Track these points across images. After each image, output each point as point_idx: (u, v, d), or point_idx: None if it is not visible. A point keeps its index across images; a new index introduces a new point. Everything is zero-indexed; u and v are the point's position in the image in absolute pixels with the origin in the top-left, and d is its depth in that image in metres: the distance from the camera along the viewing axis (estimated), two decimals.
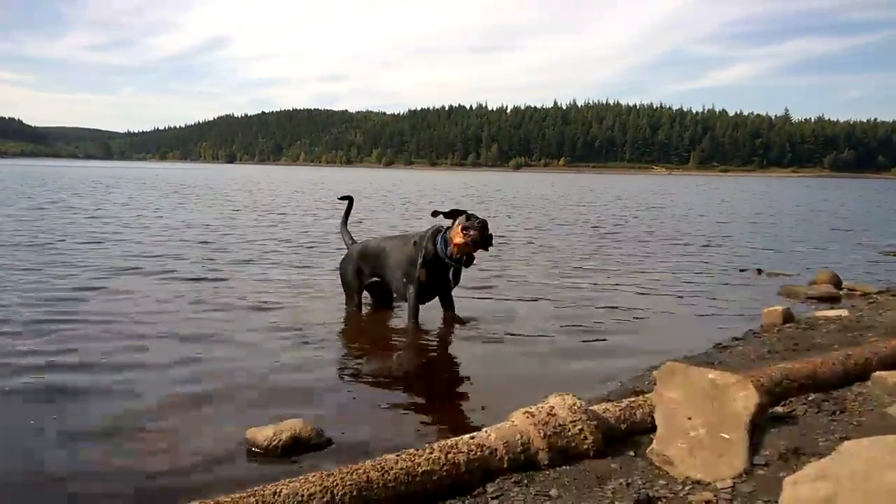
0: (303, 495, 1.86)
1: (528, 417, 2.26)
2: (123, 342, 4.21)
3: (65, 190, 24.40)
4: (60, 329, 4.43)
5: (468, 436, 2.23)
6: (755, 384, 2.39)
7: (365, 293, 5.30)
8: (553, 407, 2.30)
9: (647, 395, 2.59)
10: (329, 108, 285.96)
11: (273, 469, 2.48)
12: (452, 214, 4.78)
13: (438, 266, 4.76)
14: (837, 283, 6.57)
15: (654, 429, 2.33)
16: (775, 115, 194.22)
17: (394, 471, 2.01)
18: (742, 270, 8.01)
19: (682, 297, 6.26)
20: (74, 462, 2.57)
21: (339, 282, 5.48)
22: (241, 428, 2.76)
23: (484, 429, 2.28)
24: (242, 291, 5.92)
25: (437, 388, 3.69)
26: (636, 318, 5.30)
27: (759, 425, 2.29)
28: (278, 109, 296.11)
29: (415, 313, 4.80)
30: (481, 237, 4.59)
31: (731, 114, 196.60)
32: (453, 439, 2.20)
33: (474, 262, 4.87)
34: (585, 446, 2.24)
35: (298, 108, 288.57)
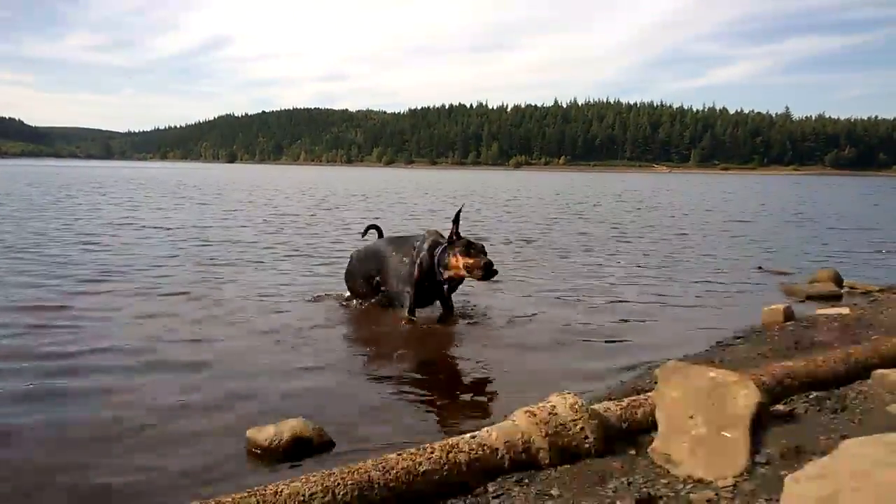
0: (304, 495, 1.86)
1: (529, 416, 2.26)
2: (123, 343, 4.22)
3: (64, 190, 24.41)
4: (57, 330, 4.42)
5: (469, 435, 2.23)
6: (756, 382, 2.40)
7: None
8: (554, 406, 2.30)
9: (648, 394, 2.59)
10: (329, 108, 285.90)
11: (274, 469, 2.49)
12: (455, 235, 4.82)
13: (432, 279, 4.86)
14: (838, 281, 6.57)
15: (655, 427, 2.33)
16: (776, 113, 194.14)
17: (395, 470, 2.01)
18: (743, 269, 8.01)
19: (682, 295, 6.26)
20: (75, 462, 2.57)
21: (343, 281, 5.54)
22: (241, 428, 2.76)
23: (485, 428, 2.28)
24: (242, 292, 5.92)
25: (437, 388, 3.68)
26: (637, 316, 5.30)
27: (761, 424, 2.29)
28: (279, 109, 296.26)
29: (410, 311, 4.89)
30: (483, 272, 4.62)
31: (732, 112, 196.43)
32: (454, 439, 2.20)
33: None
34: (587, 445, 2.24)
35: (299, 107, 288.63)
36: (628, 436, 2.40)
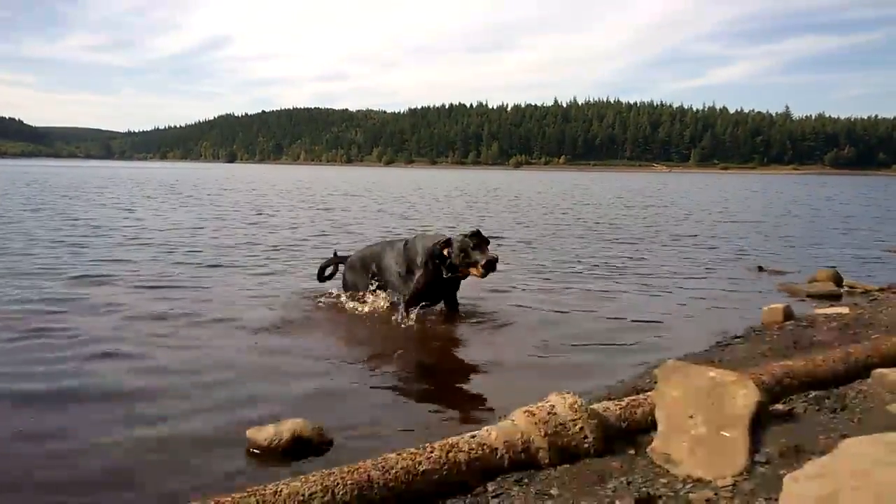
0: (304, 495, 1.86)
1: (528, 416, 2.26)
2: (122, 343, 4.22)
3: (61, 190, 24.41)
4: (54, 331, 4.41)
5: (469, 435, 2.23)
6: (756, 382, 2.40)
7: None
8: (553, 406, 2.30)
9: (647, 394, 2.59)
10: (329, 107, 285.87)
11: (274, 468, 2.48)
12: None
13: (438, 278, 4.91)
14: (838, 280, 6.57)
15: (654, 427, 2.33)
16: (776, 113, 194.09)
17: (394, 470, 2.01)
18: (743, 268, 8.01)
19: (682, 294, 6.26)
20: (75, 463, 2.57)
21: (341, 284, 5.55)
22: (241, 428, 2.76)
23: (485, 428, 2.28)
24: (242, 292, 5.92)
25: (437, 388, 3.69)
26: (636, 316, 5.29)
27: (760, 423, 2.29)
28: (278, 108, 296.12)
29: (409, 309, 4.91)
30: (486, 269, 4.75)
31: (732, 111, 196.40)
32: (454, 438, 2.20)
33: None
34: (586, 445, 2.24)
35: (299, 107, 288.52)
36: (628, 435, 2.40)
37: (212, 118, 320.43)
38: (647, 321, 5.14)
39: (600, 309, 5.54)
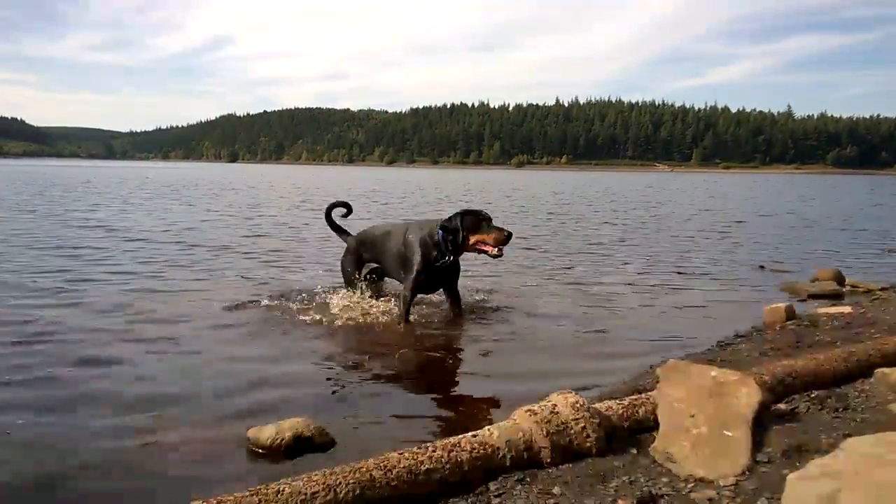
0: (306, 494, 1.86)
1: (530, 415, 2.25)
2: (122, 343, 4.22)
3: (59, 189, 24.45)
4: (52, 332, 4.40)
5: (471, 434, 2.23)
6: (758, 381, 2.39)
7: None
8: (555, 405, 2.30)
9: (649, 393, 2.59)
10: (331, 107, 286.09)
11: (275, 468, 2.48)
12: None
13: (436, 266, 4.84)
14: (840, 279, 6.56)
15: (656, 426, 2.33)
16: (778, 112, 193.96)
17: (396, 469, 2.01)
18: (744, 268, 8.00)
19: (684, 294, 6.25)
20: (75, 462, 2.57)
21: (340, 276, 5.53)
22: (243, 427, 2.76)
23: (486, 427, 2.27)
24: (242, 291, 5.92)
25: (439, 386, 3.68)
26: (638, 315, 5.29)
27: (762, 422, 2.29)
28: (280, 108, 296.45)
29: (407, 308, 4.85)
30: (503, 243, 4.74)
31: (734, 111, 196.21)
32: (456, 437, 2.20)
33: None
34: (588, 444, 2.24)
35: (300, 106, 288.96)
36: (630, 435, 2.40)
37: (213, 118, 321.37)
38: (649, 320, 5.14)
39: (602, 308, 5.53)
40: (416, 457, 2.07)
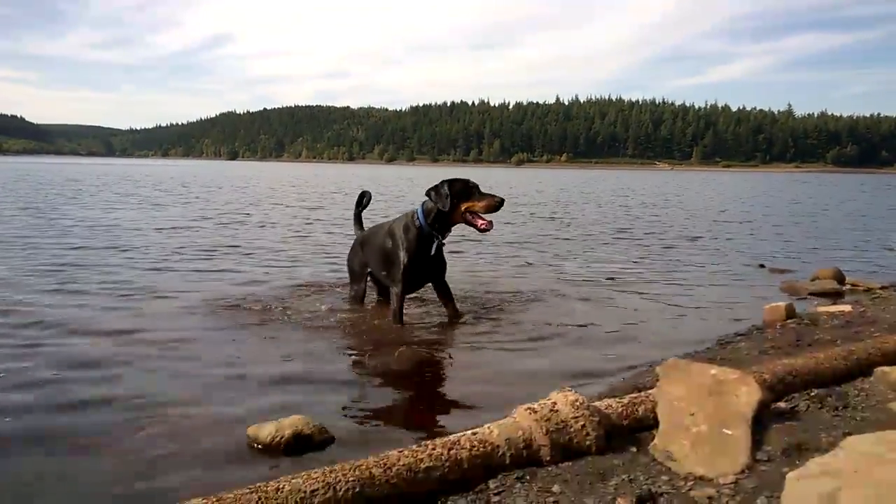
0: (305, 491, 1.86)
1: (530, 413, 2.25)
2: (121, 343, 4.22)
3: (59, 188, 24.43)
4: (50, 332, 4.40)
5: (470, 432, 2.22)
6: (757, 380, 2.39)
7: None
8: (555, 403, 2.30)
9: (649, 391, 2.59)
10: (331, 105, 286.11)
11: (275, 465, 2.48)
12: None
13: (423, 246, 4.60)
14: (840, 278, 6.56)
15: (656, 425, 2.33)
16: (778, 111, 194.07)
17: (396, 467, 2.01)
18: (744, 266, 8.00)
19: (684, 293, 6.25)
20: (76, 461, 2.58)
21: (340, 274, 5.51)
22: (242, 425, 2.76)
23: (486, 425, 2.27)
24: (241, 289, 5.92)
25: (439, 385, 3.68)
26: (638, 314, 5.29)
27: (762, 421, 2.29)
28: (280, 106, 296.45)
29: (400, 306, 4.70)
30: (494, 210, 4.49)
31: (734, 109, 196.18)
32: (455, 435, 2.20)
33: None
34: (588, 442, 2.24)
35: (300, 104, 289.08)
36: (629, 433, 2.39)
37: (213, 115, 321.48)
38: (649, 319, 5.14)
39: (601, 306, 5.53)
40: (415, 454, 2.07)
